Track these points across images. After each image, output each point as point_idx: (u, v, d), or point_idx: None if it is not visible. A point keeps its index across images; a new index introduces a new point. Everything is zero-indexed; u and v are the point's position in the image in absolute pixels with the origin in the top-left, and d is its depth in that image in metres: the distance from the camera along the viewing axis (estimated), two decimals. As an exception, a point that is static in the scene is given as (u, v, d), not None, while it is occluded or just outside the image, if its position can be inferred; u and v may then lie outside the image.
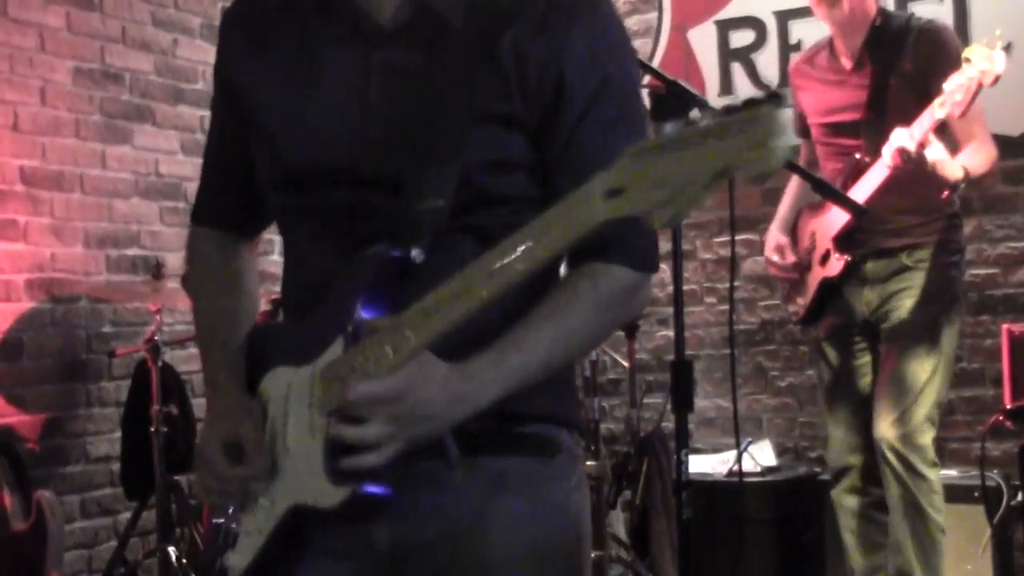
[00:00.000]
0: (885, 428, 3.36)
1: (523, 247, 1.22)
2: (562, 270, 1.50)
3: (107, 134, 4.30)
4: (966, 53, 3.23)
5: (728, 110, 1.08)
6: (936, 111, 3.19)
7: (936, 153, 3.24)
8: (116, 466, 4.15)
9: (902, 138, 3.21)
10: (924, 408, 3.36)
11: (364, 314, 1.36)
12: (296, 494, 1.43)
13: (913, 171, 3.24)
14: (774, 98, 1.07)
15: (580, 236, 1.19)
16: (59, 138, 4.13)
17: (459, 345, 1.35)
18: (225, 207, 1.66)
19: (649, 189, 1.11)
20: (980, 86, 3.18)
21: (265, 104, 1.52)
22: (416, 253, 1.35)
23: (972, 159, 3.32)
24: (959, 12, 4.37)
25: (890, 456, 3.35)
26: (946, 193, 3.35)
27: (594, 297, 1.44)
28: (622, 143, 1.35)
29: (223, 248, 1.67)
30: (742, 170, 1.08)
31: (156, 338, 3.84)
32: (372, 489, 1.37)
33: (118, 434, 4.13)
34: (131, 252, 4.35)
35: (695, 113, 1.11)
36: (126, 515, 4.10)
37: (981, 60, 3.17)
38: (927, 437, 3.36)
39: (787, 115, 1.08)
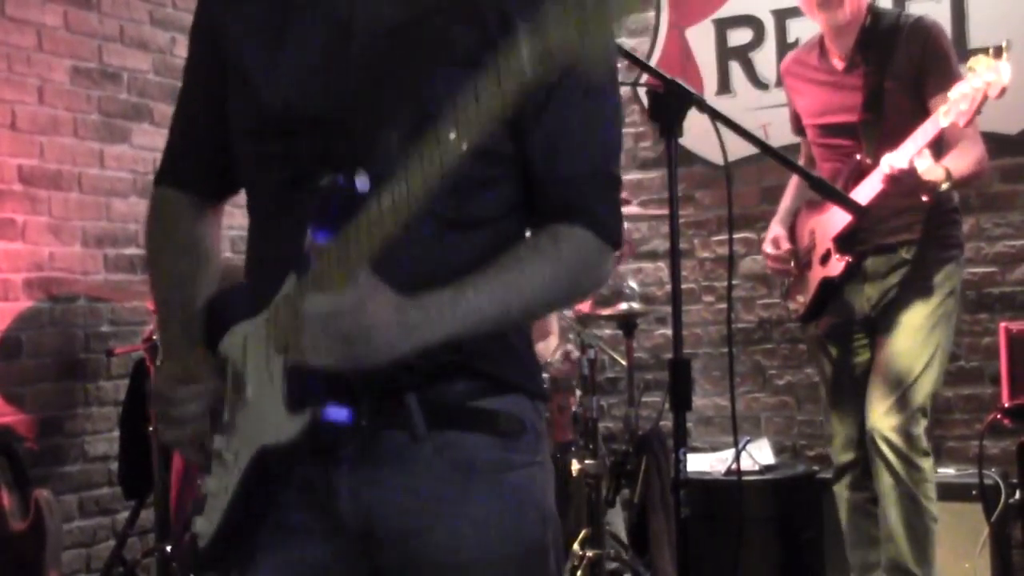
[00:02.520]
0: (877, 418, 3.38)
1: (456, 127, 1.18)
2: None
3: (105, 133, 4.31)
4: (971, 63, 3.23)
5: None
6: (941, 120, 3.19)
7: (923, 162, 3.24)
8: (114, 465, 4.15)
9: (902, 162, 3.19)
10: (917, 399, 3.38)
11: (318, 238, 1.34)
12: (259, 438, 1.42)
13: (909, 181, 3.24)
14: None
15: (513, 96, 1.14)
16: (57, 137, 4.13)
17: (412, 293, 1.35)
18: (192, 169, 1.64)
19: (570, 26, 1.08)
20: (985, 97, 3.17)
21: (246, 49, 1.52)
22: (361, 181, 1.31)
23: (957, 161, 3.31)
24: (957, 11, 4.39)
25: (882, 446, 3.37)
26: (926, 197, 3.33)
27: (554, 254, 1.44)
28: (591, 119, 1.41)
29: (187, 211, 1.65)
30: None
31: (154, 337, 3.79)
32: (331, 414, 1.34)
33: (116, 433, 4.14)
34: (129, 251, 4.35)
35: None
36: (124, 514, 4.10)
37: (986, 71, 3.17)
38: (920, 427, 3.38)
39: None
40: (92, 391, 4.20)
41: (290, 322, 1.33)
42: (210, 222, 1.65)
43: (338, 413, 1.35)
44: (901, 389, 3.39)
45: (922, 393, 3.39)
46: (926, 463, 3.38)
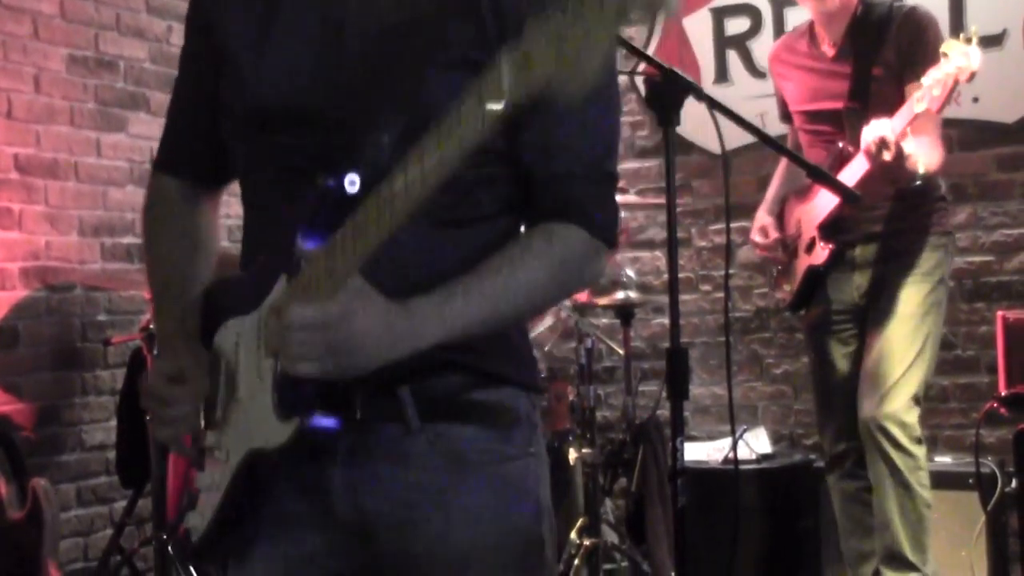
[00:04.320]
0: (871, 407, 3.41)
1: (441, 140, 1.17)
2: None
3: (102, 122, 4.29)
4: (944, 48, 3.26)
5: None
6: (915, 105, 3.22)
7: (913, 146, 3.28)
8: (111, 454, 4.14)
9: (883, 129, 3.23)
10: (910, 387, 3.40)
11: (305, 247, 1.34)
12: (249, 440, 1.42)
13: (892, 164, 3.27)
14: None
15: (494, 119, 1.14)
16: (53, 126, 4.12)
17: (405, 295, 1.35)
18: (189, 156, 1.64)
19: (555, 56, 1.07)
20: (956, 82, 3.21)
21: (238, 42, 1.51)
22: (351, 183, 1.30)
23: (928, 157, 3.35)
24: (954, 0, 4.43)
25: (876, 434, 3.39)
26: (897, 188, 3.39)
27: (548, 253, 1.43)
28: (587, 114, 1.37)
29: (183, 198, 1.65)
30: (639, 10, 1.04)
31: (151, 326, 3.79)
32: (320, 421, 1.35)
33: (113, 422, 4.13)
34: (126, 240, 4.35)
35: None
36: (122, 503, 4.11)
37: (958, 56, 3.20)
38: (912, 415, 3.40)
39: None
40: (89, 380, 4.21)
41: (278, 329, 1.33)
42: (207, 209, 1.66)
43: (326, 421, 1.35)
44: (894, 378, 3.40)
45: (914, 381, 3.41)
46: (919, 451, 3.40)
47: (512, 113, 1.12)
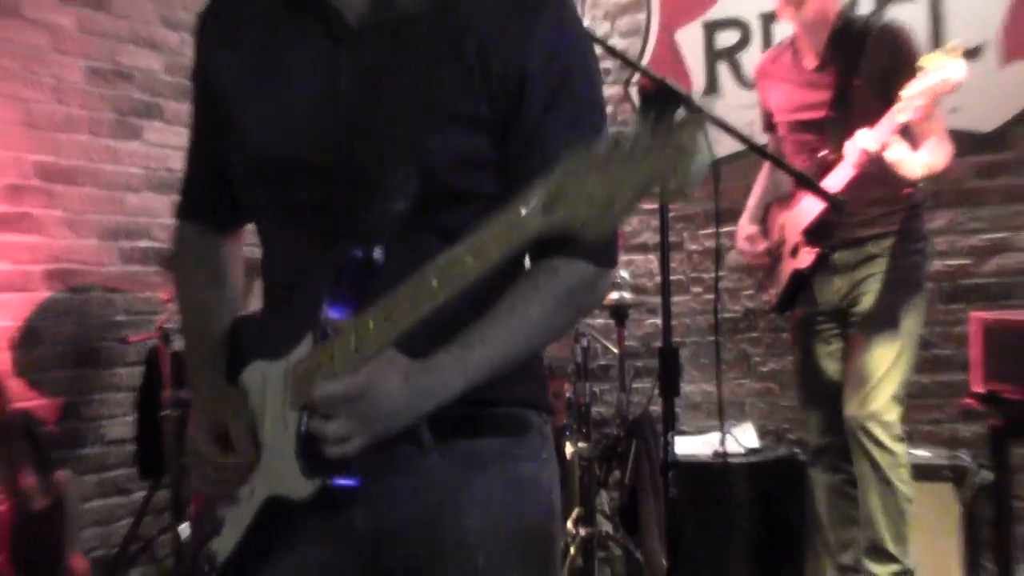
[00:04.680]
0: (854, 407, 3.46)
1: (469, 255, 1.21)
2: (527, 263, 1.50)
3: (119, 130, 4.32)
4: (922, 61, 3.28)
5: (653, 131, 1.07)
6: (897, 116, 3.26)
7: (896, 153, 3.30)
8: (130, 448, 4.20)
9: (865, 140, 3.29)
10: (890, 387, 3.44)
11: (331, 313, 1.36)
12: (273, 485, 1.44)
13: (875, 168, 3.31)
14: (692, 118, 1.07)
15: (519, 245, 1.18)
16: (73, 134, 4.15)
17: (427, 338, 1.34)
18: (207, 203, 1.65)
19: (580, 204, 1.11)
20: (937, 93, 3.25)
21: (237, 100, 1.52)
22: (378, 254, 1.34)
23: (931, 157, 3.38)
24: (934, 12, 4.44)
25: (859, 433, 3.44)
26: (908, 190, 3.43)
27: (554, 291, 1.44)
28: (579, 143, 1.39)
29: (207, 242, 1.67)
30: (663, 190, 1.08)
31: (167, 326, 3.89)
32: (341, 481, 1.38)
33: (132, 417, 4.20)
34: (143, 244, 4.38)
35: (621, 132, 1.10)
36: (140, 494, 4.15)
37: (938, 68, 3.25)
38: (893, 414, 3.45)
39: (702, 132, 1.07)
40: (108, 377, 4.23)
41: (305, 393, 1.36)
42: (228, 248, 1.68)
43: (347, 481, 1.38)
44: (875, 379, 3.44)
45: (895, 382, 3.45)
46: (900, 448, 3.45)
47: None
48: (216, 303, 1.63)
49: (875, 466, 3.44)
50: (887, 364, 3.46)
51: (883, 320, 3.48)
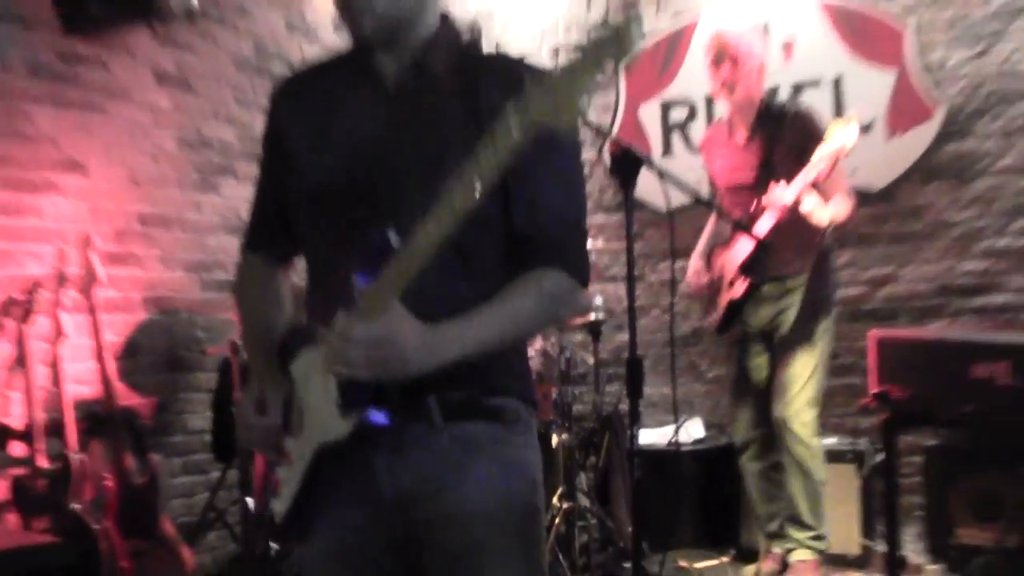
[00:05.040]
0: (780, 409, 3.51)
1: (466, 174, 1.22)
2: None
3: (201, 187, 4.35)
4: (829, 130, 3.35)
5: (589, 32, 1.12)
6: (808, 174, 3.34)
7: (810, 204, 3.36)
8: (208, 437, 4.22)
9: (784, 194, 3.35)
10: (807, 393, 3.50)
11: (359, 283, 1.35)
12: (318, 437, 1.44)
13: (792, 218, 3.36)
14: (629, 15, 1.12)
15: (507, 152, 1.18)
16: (166, 190, 4.19)
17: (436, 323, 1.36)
18: (267, 239, 1.65)
19: (547, 108, 1.13)
20: (838, 157, 3.34)
21: (300, 147, 1.53)
22: (393, 237, 1.32)
23: (836, 209, 3.44)
24: (836, 94, 4.50)
25: (783, 430, 3.51)
26: (818, 236, 3.47)
27: (538, 290, 1.45)
28: (563, 185, 1.41)
29: (264, 271, 1.66)
30: (610, 56, 1.10)
31: (237, 341, 3.88)
32: (374, 417, 1.37)
33: (209, 413, 4.21)
34: (218, 276, 4.41)
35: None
36: (215, 474, 4.18)
37: (839, 135, 3.33)
38: (810, 415, 3.50)
39: (636, 22, 1.11)
40: (191, 381, 4.26)
41: (341, 345, 1.33)
42: (281, 277, 1.68)
43: (378, 416, 1.39)
44: (796, 386, 3.49)
45: (812, 388, 3.49)
46: (816, 442, 3.51)
47: (517, 152, 1.16)
48: (272, 322, 1.62)
49: (796, 456, 3.49)
50: (806, 374, 3.49)
51: (802, 339, 3.50)
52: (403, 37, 1.51)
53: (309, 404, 1.46)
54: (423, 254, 1.26)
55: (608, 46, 1.10)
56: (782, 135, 3.50)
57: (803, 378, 3.49)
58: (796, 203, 3.33)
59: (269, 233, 1.65)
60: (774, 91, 3.95)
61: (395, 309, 1.32)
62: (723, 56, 3.53)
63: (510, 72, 1.45)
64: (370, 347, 1.31)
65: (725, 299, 3.61)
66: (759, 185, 3.51)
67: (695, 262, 3.78)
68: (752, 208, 3.48)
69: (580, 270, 1.51)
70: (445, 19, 1.56)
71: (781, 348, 3.55)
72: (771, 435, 3.61)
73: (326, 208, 1.51)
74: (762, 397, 3.62)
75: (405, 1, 1.49)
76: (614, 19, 1.12)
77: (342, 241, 1.46)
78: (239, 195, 4.48)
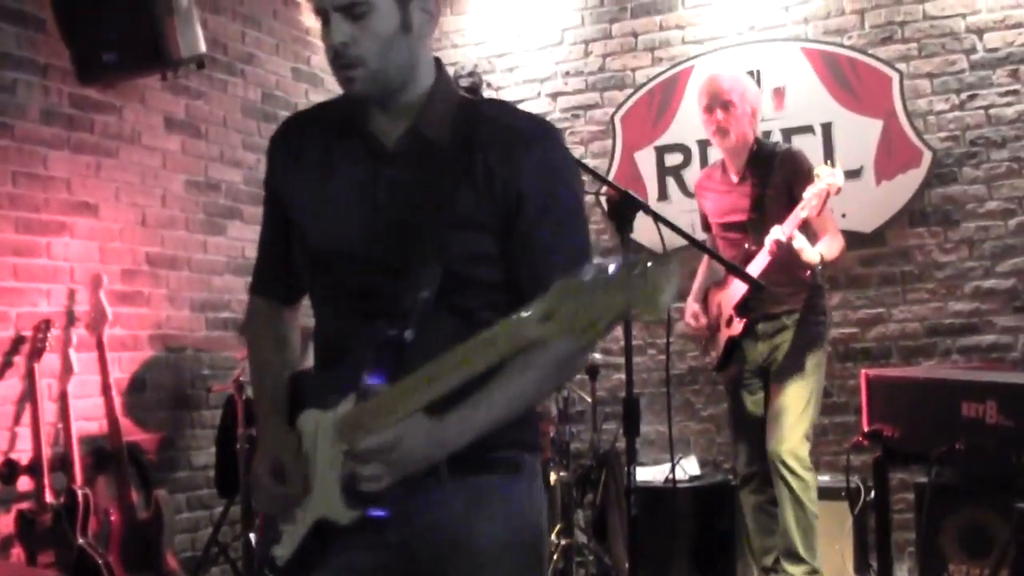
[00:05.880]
0: (774, 444, 3.55)
1: (478, 354, 1.24)
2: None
3: (208, 228, 4.38)
4: (816, 171, 3.44)
5: (631, 266, 1.08)
6: (800, 213, 3.42)
7: (800, 243, 3.44)
8: (212, 473, 4.21)
9: (776, 233, 3.42)
10: (801, 429, 3.54)
11: (370, 379, 1.38)
12: (322, 510, 1.46)
13: (785, 256, 3.42)
14: (663, 261, 1.09)
15: (520, 347, 1.21)
16: (174, 231, 4.22)
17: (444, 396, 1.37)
18: (274, 281, 1.66)
19: (570, 319, 1.12)
20: (828, 195, 3.43)
21: (298, 205, 1.53)
22: (408, 333, 1.37)
23: (826, 248, 3.52)
24: (827, 140, 4.56)
25: (778, 465, 3.53)
26: (808, 272, 3.53)
27: (544, 364, 1.43)
28: (564, 248, 1.40)
29: (273, 313, 1.66)
30: (637, 314, 1.09)
31: (241, 379, 3.88)
32: (375, 512, 1.42)
33: (213, 449, 4.20)
34: (224, 315, 4.42)
35: (609, 264, 1.09)
36: (219, 509, 4.17)
37: (827, 176, 3.41)
38: (804, 450, 3.54)
39: (671, 274, 1.07)
40: (196, 417, 4.26)
41: (350, 442, 1.37)
42: (289, 319, 1.68)
43: (380, 512, 1.41)
44: (790, 422, 3.51)
45: (805, 424, 3.53)
46: (810, 476, 3.53)
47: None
48: (279, 363, 1.62)
49: (790, 490, 3.51)
50: (799, 410, 3.52)
51: (794, 373, 3.55)
52: (397, 94, 1.50)
53: (316, 468, 1.47)
54: (445, 384, 1.28)
55: (635, 299, 1.07)
56: (773, 175, 3.56)
57: (796, 412, 3.52)
58: (790, 240, 3.37)
59: (274, 277, 1.66)
60: (767, 135, 4.04)
61: (407, 418, 1.34)
62: (716, 101, 3.58)
63: (507, 134, 1.46)
64: (380, 455, 1.35)
65: (724, 337, 3.65)
66: (751, 224, 3.57)
67: (691, 305, 3.81)
68: (745, 248, 3.53)
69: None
70: (440, 71, 1.55)
71: (775, 384, 3.59)
72: (770, 470, 3.63)
73: (328, 270, 1.52)
74: (760, 433, 3.63)
75: (396, 56, 1.47)
76: (652, 277, 1.06)
77: (343, 303, 1.49)
78: (245, 236, 4.51)
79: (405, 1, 1.48)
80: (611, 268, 1.08)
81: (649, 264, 1.07)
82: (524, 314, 1.16)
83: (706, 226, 3.87)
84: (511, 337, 1.20)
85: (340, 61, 1.47)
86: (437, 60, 1.57)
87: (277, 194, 1.59)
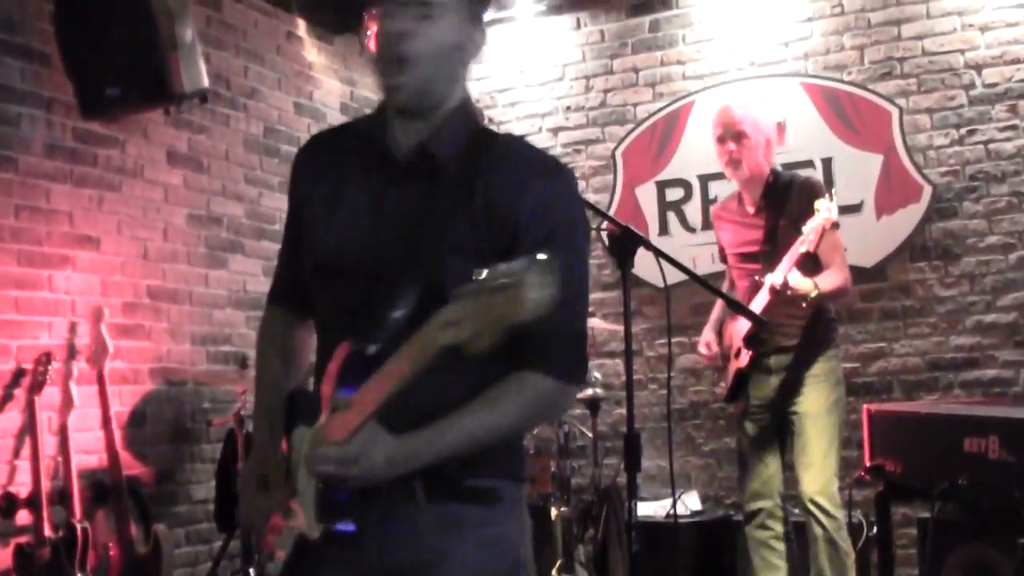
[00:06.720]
0: (808, 485, 3.47)
1: (408, 356, 1.29)
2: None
3: (209, 261, 4.38)
4: (816, 205, 3.41)
5: (506, 272, 1.15)
6: (800, 248, 3.40)
7: (794, 278, 3.39)
8: (211, 507, 4.19)
9: (773, 278, 3.37)
10: (830, 466, 3.50)
11: (340, 393, 1.40)
12: (300, 525, 1.48)
13: (786, 296, 3.37)
14: (533, 263, 1.13)
15: (433, 354, 1.24)
16: (175, 264, 4.23)
17: (415, 420, 1.41)
18: (289, 293, 1.68)
19: (471, 324, 1.17)
20: (824, 228, 3.39)
21: (311, 217, 1.57)
22: (371, 350, 1.37)
23: (825, 279, 3.46)
24: (827, 174, 4.57)
25: (811, 506, 3.47)
26: (804, 304, 3.48)
27: (517, 399, 1.45)
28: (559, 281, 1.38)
29: (285, 323, 1.69)
30: (510, 314, 1.14)
31: (241, 413, 3.91)
32: (341, 527, 1.43)
33: (213, 483, 4.19)
34: (224, 349, 4.42)
35: (500, 265, 1.16)
36: (218, 543, 4.15)
37: (824, 211, 3.40)
38: (834, 486, 3.50)
39: (538, 277, 1.11)
40: (196, 451, 4.26)
41: (312, 462, 1.41)
42: (302, 332, 1.70)
43: (346, 527, 1.43)
44: (819, 462, 3.47)
45: (833, 461, 3.49)
46: (840, 514, 3.48)
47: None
48: (284, 377, 1.64)
49: (824, 529, 3.47)
50: (825, 449, 3.50)
51: (818, 415, 3.53)
52: (427, 111, 1.53)
53: (300, 483, 1.50)
54: (402, 378, 1.30)
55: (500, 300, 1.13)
56: (788, 205, 3.55)
57: (822, 450, 3.50)
58: (784, 284, 3.36)
59: (290, 288, 1.68)
60: (784, 165, 3.99)
61: (365, 428, 1.36)
62: (729, 132, 3.58)
63: (517, 162, 1.49)
64: (339, 466, 1.37)
65: (733, 369, 3.64)
66: (763, 256, 3.57)
67: (705, 335, 3.80)
68: (755, 280, 3.52)
69: (571, 374, 1.50)
70: (467, 98, 1.58)
71: (799, 423, 3.55)
72: (776, 505, 3.63)
73: (326, 285, 1.55)
74: (769, 468, 3.62)
75: (445, 70, 1.51)
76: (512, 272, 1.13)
77: (344, 312, 1.51)
78: (247, 270, 4.53)
79: (472, 23, 1.52)
80: (500, 268, 1.14)
81: (520, 267, 1.13)
82: (432, 320, 1.22)
83: (723, 257, 3.86)
84: (423, 345, 1.25)
85: (391, 54, 1.49)
86: (466, 92, 1.60)
87: (297, 208, 1.63)
